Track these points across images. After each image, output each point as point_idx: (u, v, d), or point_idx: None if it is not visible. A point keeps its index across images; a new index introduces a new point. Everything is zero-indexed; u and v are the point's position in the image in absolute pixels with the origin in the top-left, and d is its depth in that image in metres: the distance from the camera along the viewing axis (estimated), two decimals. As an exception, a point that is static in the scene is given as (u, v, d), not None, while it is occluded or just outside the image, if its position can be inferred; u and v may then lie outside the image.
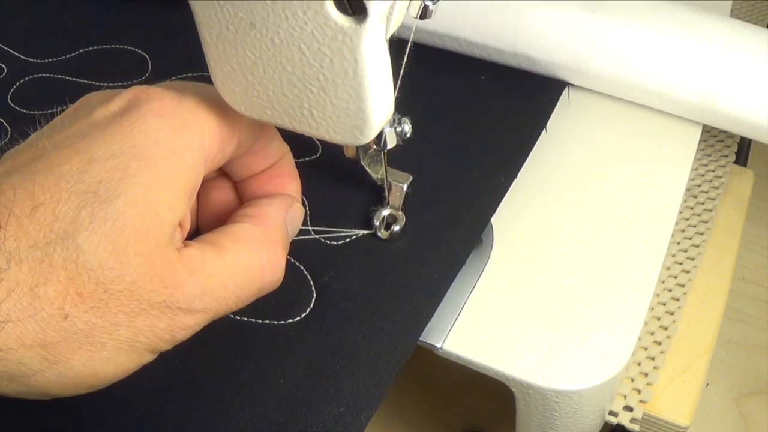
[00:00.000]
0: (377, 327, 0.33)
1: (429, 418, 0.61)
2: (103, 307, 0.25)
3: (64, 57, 0.49)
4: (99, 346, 0.25)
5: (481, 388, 0.61)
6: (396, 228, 0.36)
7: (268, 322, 0.33)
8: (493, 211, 0.38)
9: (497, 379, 0.34)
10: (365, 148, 0.36)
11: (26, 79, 0.48)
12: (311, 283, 0.35)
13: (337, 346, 0.32)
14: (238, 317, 0.33)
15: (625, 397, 0.37)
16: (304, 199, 0.38)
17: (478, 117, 0.43)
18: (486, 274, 0.37)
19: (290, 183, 0.34)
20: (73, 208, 0.24)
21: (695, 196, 0.45)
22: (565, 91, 0.45)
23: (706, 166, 0.47)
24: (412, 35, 0.31)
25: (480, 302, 0.36)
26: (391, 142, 0.33)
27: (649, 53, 0.42)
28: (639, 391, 0.37)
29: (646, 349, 0.38)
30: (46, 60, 0.49)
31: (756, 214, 0.68)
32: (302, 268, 0.35)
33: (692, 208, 0.45)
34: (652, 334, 0.38)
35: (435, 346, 0.34)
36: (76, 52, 0.49)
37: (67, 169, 0.25)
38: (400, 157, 0.36)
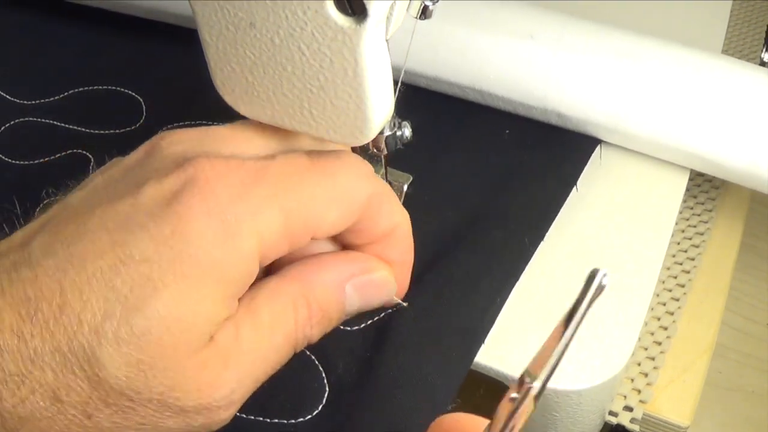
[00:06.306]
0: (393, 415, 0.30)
1: (429, 419, 0.60)
2: (130, 412, 0.24)
3: (51, 99, 0.46)
4: None
5: (481, 388, 0.61)
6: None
7: (276, 420, 0.30)
8: (516, 278, 0.35)
9: (497, 379, 0.34)
10: (365, 147, 0.36)
11: (12, 123, 0.44)
12: (323, 375, 0.31)
13: None
14: (245, 415, 0.30)
15: (625, 397, 0.37)
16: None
17: (500, 174, 0.40)
18: (486, 274, 0.37)
19: (391, 251, 0.31)
20: (99, 317, 0.23)
21: (695, 196, 0.45)
22: (597, 149, 0.42)
23: (706, 166, 0.47)
24: (405, 62, 0.31)
25: (480, 302, 0.36)
26: (391, 146, 0.33)
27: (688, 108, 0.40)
28: (639, 391, 0.37)
29: (646, 349, 0.38)
30: (33, 102, 0.46)
31: (756, 215, 0.68)
32: (313, 357, 0.32)
33: (692, 208, 0.45)
34: (652, 334, 0.38)
35: (435, 347, 0.34)
36: (65, 93, 0.46)
37: (99, 266, 0.24)
38: (418, 216, 0.33)
